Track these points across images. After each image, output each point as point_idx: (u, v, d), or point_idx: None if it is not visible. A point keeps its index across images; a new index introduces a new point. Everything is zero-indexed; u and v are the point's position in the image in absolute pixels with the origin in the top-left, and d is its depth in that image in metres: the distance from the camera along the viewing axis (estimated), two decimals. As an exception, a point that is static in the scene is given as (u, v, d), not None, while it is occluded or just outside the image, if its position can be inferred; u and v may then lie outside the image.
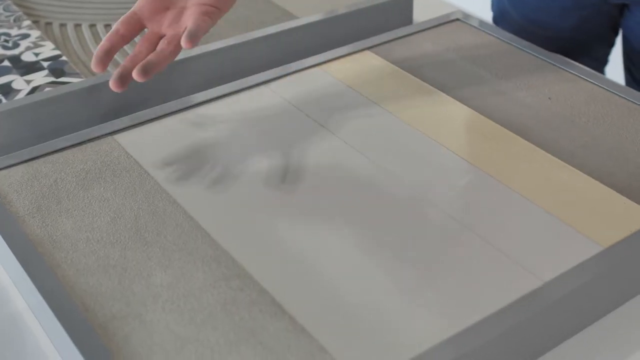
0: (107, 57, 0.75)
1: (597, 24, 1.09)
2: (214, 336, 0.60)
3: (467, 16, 1.05)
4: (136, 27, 0.78)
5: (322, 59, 0.97)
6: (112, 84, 0.74)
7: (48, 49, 1.00)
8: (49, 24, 1.06)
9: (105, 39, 0.76)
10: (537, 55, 0.97)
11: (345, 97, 0.90)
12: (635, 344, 0.66)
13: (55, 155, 0.81)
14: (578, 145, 0.81)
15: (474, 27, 1.03)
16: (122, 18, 0.78)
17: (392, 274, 0.66)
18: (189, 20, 0.77)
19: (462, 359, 0.58)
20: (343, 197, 0.75)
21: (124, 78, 0.74)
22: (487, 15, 1.21)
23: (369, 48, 0.99)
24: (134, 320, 0.62)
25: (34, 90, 0.91)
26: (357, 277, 0.66)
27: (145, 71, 0.73)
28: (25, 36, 1.03)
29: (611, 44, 1.14)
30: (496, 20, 1.19)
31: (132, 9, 0.79)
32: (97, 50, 0.76)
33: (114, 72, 0.75)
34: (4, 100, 0.89)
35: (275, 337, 0.60)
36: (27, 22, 1.06)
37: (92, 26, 1.05)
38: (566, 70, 0.94)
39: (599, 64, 1.17)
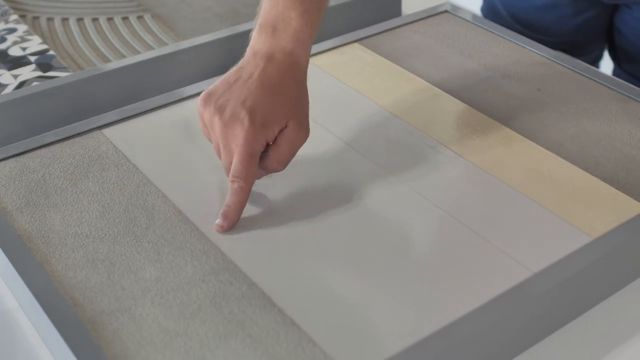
0: None
1: (595, 25, 1.09)
2: (203, 330, 0.60)
3: (455, 8, 1.05)
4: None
5: (311, 52, 0.96)
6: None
7: (35, 44, 0.99)
8: (36, 18, 1.05)
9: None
10: (525, 46, 0.97)
11: (333, 90, 0.90)
12: (624, 334, 0.66)
13: (43, 150, 0.80)
14: (566, 136, 0.81)
15: (463, 18, 1.03)
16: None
17: (381, 266, 0.66)
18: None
19: (452, 350, 0.58)
20: (332, 189, 0.75)
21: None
22: (476, 7, 1.21)
23: (357, 40, 0.99)
24: (123, 315, 0.62)
25: (21, 85, 0.91)
26: (345, 270, 0.66)
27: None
28: (12, 30, 1.02)
29: (607, 40, 1.14)
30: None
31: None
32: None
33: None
34: (-9, 95, 0.89)
35: (264, 330, 0.60)
36: (14, 17, 1.05)
37: (79, 20, 1.04)
38: (555, 62, 0.94)
39: (595, 59, 1.17)
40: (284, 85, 0.71)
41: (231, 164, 0.70)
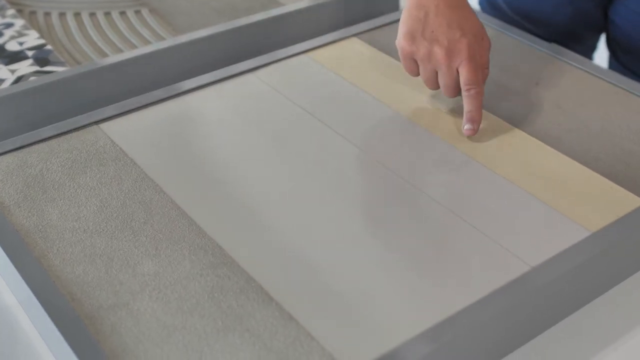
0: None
1: (590, 13, 1.10)
2: (201, 324, 0.60)
3: (453, 2, 1.05)
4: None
5: (308, 46, 0.96)
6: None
7: (32, 38, 0.99)
8: (33, 12, 1.05)
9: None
10: (523, 40, 0.97)
11: (331, 84, 0.89)
12: (622, 328, 0.66)
13: (41, 145, 0.80)
14: (565, 130, 0.81)
15: (461, 13, 1.03)
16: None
17: (379, 260, 0.66)
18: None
19: (451, 344, 0.58)
20: (330, 184, 0.75)
21: None
22: (473, 0, 1.20)
23: (355, 35, 0.99)
24: (121, 310, 0.62)
25: (18, 79, 0.90)
26: (344, 264, 0.66)
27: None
28: (9, 25, 1.02)
29: (602, 30, 1.15)
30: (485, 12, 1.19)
31: None
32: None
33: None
34: (-12, 90, 0.89)
35: (262, 324, 0.60)
36: (11, 11, 1.05)
37: (77, 15, 1.04)
38: (553, 56, 0.94)
39: (590, 50, 1.17)
40: (464, 3, 0.83)
41: (454, 81, 0.81)
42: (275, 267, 0.65)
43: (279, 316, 0.61)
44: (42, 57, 0.95)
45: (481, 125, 0.81)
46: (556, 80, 0.89)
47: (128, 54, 0.92)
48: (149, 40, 0.98)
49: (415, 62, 0.83)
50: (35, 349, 0.65)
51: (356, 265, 0.66)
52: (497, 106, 0.85)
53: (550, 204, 0.71)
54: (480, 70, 0.81)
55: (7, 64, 0.93)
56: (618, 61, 1.09)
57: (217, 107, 0.86)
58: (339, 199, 0.73)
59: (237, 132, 0.82)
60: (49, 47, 0.97)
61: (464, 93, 0.80)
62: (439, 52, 0.80)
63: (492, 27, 1.00)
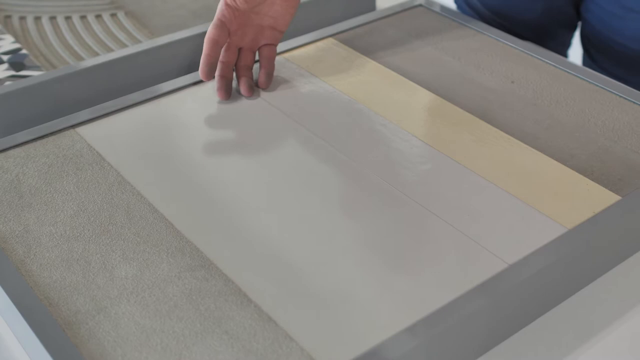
0: (212, 67, 0.86)
1: (562, 9, 1.10)
2: (179, 327, 0.60)
3: (429, 2, 1.06)
4: (226, 34, 0.87)
5: (285, 47, 0.96)
6: (220, 96, 0.87)
7: (8, 43, 0.98)
8: (8, 17, 1.04)
9: (205, 50, 0.86)
10: (499, 39, 0.97)
11: (309, 85, 0.90)
12: (600, 324, 0.66)
13: (17, 150, 0.80)
14: (541, 128, 0.82)
15: (437, 12, 1.04)
16: (212, 27, 0.86)
17: (357, 260, 0.66)
18: (263, 61, 0.90)
19: (429, 343, 0.59)
20: (307, 184, 0.75)
21: (229, 87, 0.87)
22: (449, 0, 1.21)
23: (332, 35, 0.99)
24: (99, 314, 0.62)
25: (-6, 84, 0.90)
26: (322, 265, 0.66)
27: (252, 90, 0.88)
28: (-16, 30, 1.01)
29: (574, 27, 1.16)
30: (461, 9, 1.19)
31: (217, 16, 0.87)
32: (203, 63, 0.86)
33: (218, 86, 0.87)
34: (-37, 95, 0.88)
35: (241, 326, 0.60)
36: (-14, 16, 1.05)
37: (52, 19, 1.03)
38: (528, 54, 0.94)
39: (563, 47, 1.18)
40: None
41: None
42: (253, 269, 0.65)
43: (258, 318, 0.61)
44: (17, 62, 0.94)
45: (457, 124, 0.82)
46: (532, 78, 0.90)
47: (104, 57, 0.92)
48: (125, 43, 0.98)
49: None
50: (13, 355, 0.65)
51: (334, 265, 0.66)
52: (473, 105, 0.85)
53: (526, 201, 0.72)
54: None
55: (-18, 68, 0.93)
56: (591, 58, 1.10)
57: (194, 109, 0.86)
58: (316, 199, 0.73)
59: (214, 135, 0.82)
60: (24, 51, 0.96)
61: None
62: None
63: (468, 26, 1.00)
